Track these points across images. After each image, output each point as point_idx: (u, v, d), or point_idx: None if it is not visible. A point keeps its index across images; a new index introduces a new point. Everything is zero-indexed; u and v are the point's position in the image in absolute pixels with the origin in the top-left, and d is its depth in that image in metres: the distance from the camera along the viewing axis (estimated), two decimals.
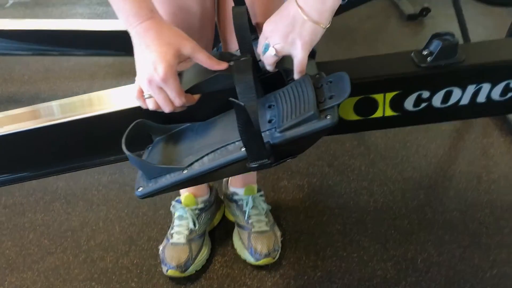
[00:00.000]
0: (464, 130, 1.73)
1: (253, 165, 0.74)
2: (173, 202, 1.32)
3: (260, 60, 0.82)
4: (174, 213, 1.31)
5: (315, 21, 0.73)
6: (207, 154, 0.78)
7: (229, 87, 0.75)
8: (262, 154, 0.73)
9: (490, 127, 1.73)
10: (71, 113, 0.97)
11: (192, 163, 0.78)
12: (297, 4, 0.73)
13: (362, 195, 1.46)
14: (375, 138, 1.69)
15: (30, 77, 2.02)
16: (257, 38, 0.83)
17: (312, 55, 0.80)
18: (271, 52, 0.77)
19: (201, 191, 1.32)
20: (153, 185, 0.79)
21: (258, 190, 1.33)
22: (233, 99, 0.66)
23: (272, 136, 0.73)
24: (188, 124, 0.90)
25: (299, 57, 0.76)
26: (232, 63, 0.78)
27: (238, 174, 1.27)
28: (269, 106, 0.79)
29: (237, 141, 0.77)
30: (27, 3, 2.81)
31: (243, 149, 0.74)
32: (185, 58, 0.77)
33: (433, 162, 1.58)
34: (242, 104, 0.66)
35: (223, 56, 0.80)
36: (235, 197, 1.32)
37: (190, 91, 0.79)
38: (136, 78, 0.78)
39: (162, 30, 0.75)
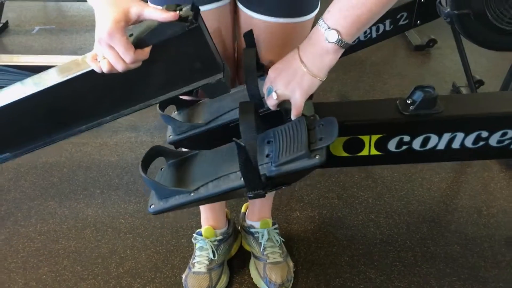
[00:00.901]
0: (466, 164, 1.84)
1: (250, 194, 0.87)
2: (194, 235, 1.43)
3: (264, 97, 0.94)
4: (195, 244, 1.42)
5: (313, 75, 0.84)
6: (212, 181, 0.90)
7: (175, 35, 0.81)
8: (257, 186, 0.85)
9: (491, 161, 1.83)
10: (44, 82, 0.95)
11: (198, 188, 0.89)
12: (300, 59, 0.84)
13: (369, 227, 1.57)
14: (381, 171, 1.80)
15: None
16: (263, 74, 0.96)
17: (310, 96, 0.90)
18: (273, 96, 0.88)
19: (220, 224, 1.43)
20: (163, 204, 0.90)
21: (273, 224, 1.44)
22: (236, 140, 0.78)
23: (269, 169, 0.85)
24: (197, 152, 1.01)
25: (297, 103, 0.87)
26: (181, 12, 0.82)
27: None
28: (268, 142, 0.90)
29: (238, 171, 0.88)
30: (52, 30, 2.97)
31: (243, 178, 0.85)
32: (136, 19, 0.78)
33: (436, 195, 1.69)
34: (243, 144, 0.78)
35: (169, 8, 0.84)
36: (252, 230, 1.44)
37: (139, 45, 0.80)
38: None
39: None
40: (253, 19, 1.04)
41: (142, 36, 0.80)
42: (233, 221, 1.49)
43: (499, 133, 1.03)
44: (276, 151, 0.85)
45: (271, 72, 0.89)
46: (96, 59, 0.80)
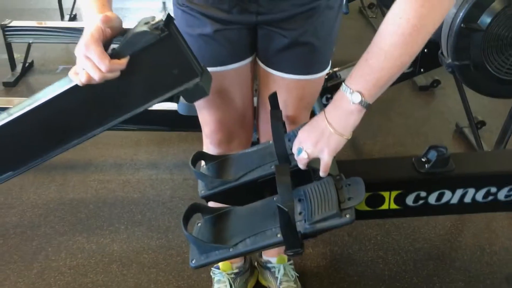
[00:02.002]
0: None
1: (289, 253, 0.95)
2: (212, 269, 1.54)
3: (291, 154, 1.02)
4: (214, 278, 1.53)
5: (340, 134, 0.93)
6: (249, 237, 0.98)
7: (148, 44, 0.85)
8: (297, 245, 0.94)
9: None
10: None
11: (237, 244, 0.97)
12: (327, 120, 0.94)
13: (378, 264, 1.66)
14: None
15: (83, 144, 2.24)
16: (286, 131, 1.06)
17: None
18: (303, 155, 0.97)
19: (236, 259, 1.53)
20: (205, 259, 0.98)
21: (288, 260, 1.55)
22: (279, 205, 0.86)
23: (303, 227, 0.92)
24: (231, 208, 1.09)
25: (325, 161, 0.96)
26: (153, 22, 0.86)
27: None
28: (299, 200, 0.98)
29: (273, 228, 0.96)
30: None
31: (279, 235, 0.94)
32: (110, 32, 0.86)
33: (441, 233, 1.79)
34: (286, 210, 0.86)
35: (145, 20, 0.89)
36: (269, 265, 1.54)
37: (117, 57, 0.86)
38: None
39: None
40: (272, 75, 1.17)
41: (119, 48, 0.86)
42: (249, 257, 1.59)
43: (507, 188, 1.14)
44: (309, 209, 0.93)
45: (300, 134, 0.99)
46: (77, 73, 0.86)
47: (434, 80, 2.78)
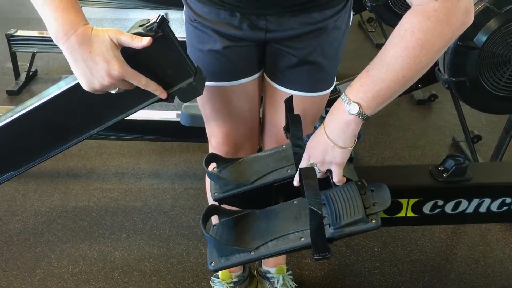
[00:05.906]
0: None
1: (317, 257, 0.92)
2: (212, 278, 1.57)
3: None
4: (213, 287, 1.56)
5: (341, 147, 0.93)
6: (271, 240, 0.96)
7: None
8: (325, 249, 0.92)
9: None
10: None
11: (258, 247, 0.94)
12: (326, 135, 0.94)
13: (375, 275, 1.70)
14: None
15: (86, 152, 2.33)
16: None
17: (349, 160, 0.98)
18: (316, 170, 0.97)
19: (235, 268, 1.56)
20: (225, 262, 0.95)
21: (287, 270, 1.58)
22: (312, 207, 0.85)
23: (328, 231, 0.91)
24: (249, 210, 1.07)
25: (335, 172, 0.96)
26: (147, 24, 0.89)
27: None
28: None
29: (296, 231, 0.95)
30: None
31: (302, 239, 0.93)
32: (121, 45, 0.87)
33: (437, 245, 1.82)
34: (320, 212, 0.85)
35: (140, 23, 0.91)
36: (268, 275, 1.57)
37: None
38: (84, 85, 0.90)
39: (96, 32, 0.86)
40: (279, 91, 1.21)
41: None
42: (248, 266, 1.62)
43: None
44: (333, 214, 0.92)
45: (309, 147, 0.99)
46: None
47: (431, 94, 2.83)
